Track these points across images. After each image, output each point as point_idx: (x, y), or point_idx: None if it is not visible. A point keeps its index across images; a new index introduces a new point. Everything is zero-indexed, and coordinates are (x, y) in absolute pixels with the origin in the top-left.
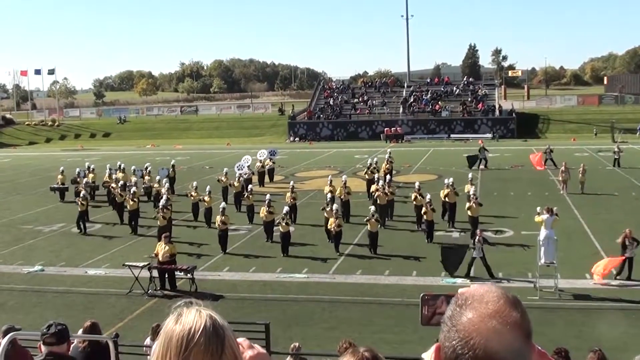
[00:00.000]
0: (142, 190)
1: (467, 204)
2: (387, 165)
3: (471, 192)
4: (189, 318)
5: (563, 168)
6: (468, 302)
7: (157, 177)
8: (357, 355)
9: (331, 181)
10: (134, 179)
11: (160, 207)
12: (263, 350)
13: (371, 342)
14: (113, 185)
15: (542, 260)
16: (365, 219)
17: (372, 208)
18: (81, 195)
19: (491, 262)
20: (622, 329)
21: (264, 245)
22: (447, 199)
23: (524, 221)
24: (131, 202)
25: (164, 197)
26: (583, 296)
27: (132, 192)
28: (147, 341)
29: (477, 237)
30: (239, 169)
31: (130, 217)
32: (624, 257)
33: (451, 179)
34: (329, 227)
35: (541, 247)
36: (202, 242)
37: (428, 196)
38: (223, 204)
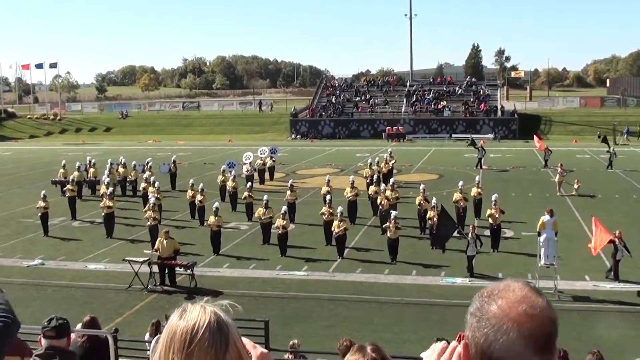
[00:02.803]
0: (142, 183)
1: (489, 211)
2: (387, 165)
3: (493, 199)
4: (193, 314)
5: (559, 169)
6: (495, 292)
7: (145, 175)
8: (367, 357)
9: (329, 181)
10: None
11: (151, 205)
12: (266, 351)
13: (370, 341)
14: (103, 187)
15: (542, 262)
16: (384, 225)
17: (394, 213)
18: (42, 194)
19: (491, 263)
20: (621, 331)
21: (263, 244)
22: (456, 204)
23: (525, 222)
24: (108, 204)
25: (152, 196)
26: (582, 298)
27: (109, 192)
28: (147, 337)
29: (470, 233)
30: (229, 167)
31: (106, 219)
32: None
33: (461, 182)
34: (333, 229)
35: (541, 248)
36: (195, 242)
37: (434, 200)
38: (216, 204)
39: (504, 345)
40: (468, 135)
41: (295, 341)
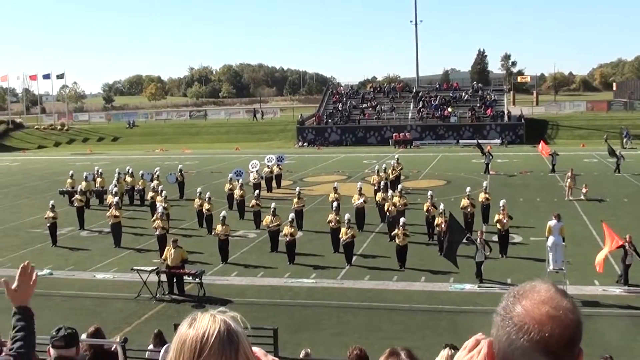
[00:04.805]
0: (150, 192)
1: (497, 217)
2: (394, 172)
3: (501, 204)
4: (203, 323)
5: (569, 174)
6: (521, 292)
7: (152, 185)
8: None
9: (336, 188)
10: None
11: (159, 215)
12: (277, 359)
13: (379, 348)
14: (110, 196)
15: (551, 267)
16: (392, 233)
17: (402, 219)
18: (50, 204)
19: (499, 269)
20: (631, 336)
21: (271, 252)
22: (464, 210)
23: (533, 227)
24: (115, 214)
25: (160, 205)
26: (592, 303)
27: (115, 201)
28: (150, 347)
29: (479, 239)
30: (236, 175)
31: (113, 229)
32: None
33: (468, 188)
34: (340, 236)
35: (549, 253)
36: (203, 250)
37: (441, 206)
38: (224, 213)
39: (524, 346)
40: (474, 141)
41: (308, 350)
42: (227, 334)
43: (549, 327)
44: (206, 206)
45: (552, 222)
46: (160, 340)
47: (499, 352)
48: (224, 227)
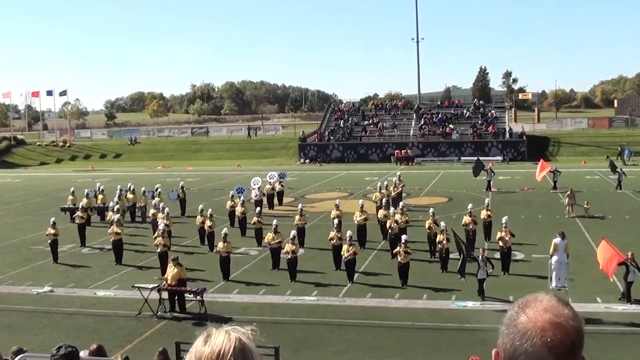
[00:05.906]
0: (151, 209)
1: (499, 234)
2: (396, 189)
3: (503, 222)
4: (218, 340)
5: (569, 192)
6: (524, 303)
7: (154, 202)
8: None
9: (338, 205)
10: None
11: (160, 232)
12: None
13: None
14: (111, 213)
15: (553, 284)
16: (394, 250)
17: (404, 237)
18: (51, 221)
19: (502, 286)
20: (634, 354)
21: (272, 269)
22: (465, 227)
23: (535, 244)
24: (116, 230)
25: (162, 222)
26: (595, 320)
27: (117, 218)
28: None
29: (481, 257)
30: (238, 192)
31: (115, 246)
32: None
33: (470, 205)
34: (342, 254)
35: (552, 270)
36: (204, 268)
37: (442, 224)
38: (225, 230)
39: (528, 351)
40: (474, 158)
41: None
42: (242, 352)
43: (551, 333)
44: (208, 223)
45: (558, 240)
46: (165, 358)
47: (504, 359)
48: (225, 244)
